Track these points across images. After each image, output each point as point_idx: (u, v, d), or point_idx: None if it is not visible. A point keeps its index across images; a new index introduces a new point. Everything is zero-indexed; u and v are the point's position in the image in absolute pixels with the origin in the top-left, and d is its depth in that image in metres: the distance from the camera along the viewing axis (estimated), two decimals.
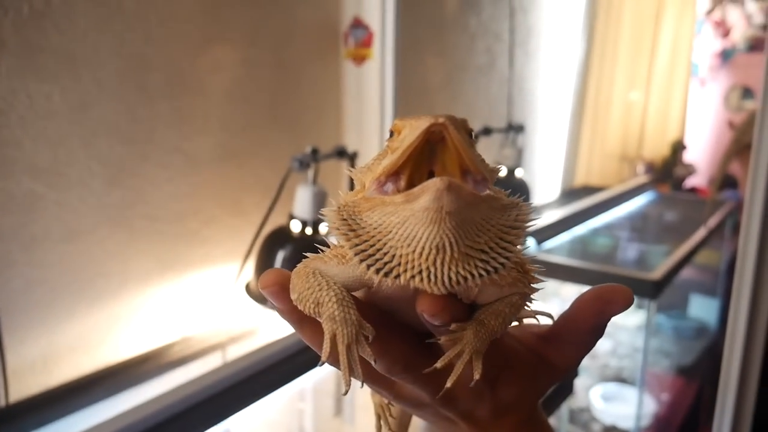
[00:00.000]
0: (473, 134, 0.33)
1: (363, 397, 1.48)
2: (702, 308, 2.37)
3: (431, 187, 0.28)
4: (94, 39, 1.11)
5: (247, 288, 1.24)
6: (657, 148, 3.12)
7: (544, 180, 2.41)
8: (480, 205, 0.31)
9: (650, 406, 1.80)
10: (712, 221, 1.96)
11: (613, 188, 2.46)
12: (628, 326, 2.18)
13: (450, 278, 0.30)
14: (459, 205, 0.29)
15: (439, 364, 0.32)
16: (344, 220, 0.32)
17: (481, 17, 1.95)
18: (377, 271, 0.31)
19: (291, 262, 1.17)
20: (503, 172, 1.78)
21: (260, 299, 1.20)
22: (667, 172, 3.21)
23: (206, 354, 1.27)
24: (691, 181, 3.29)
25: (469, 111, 1.97)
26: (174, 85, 1.24)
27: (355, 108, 1.56)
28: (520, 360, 0.38)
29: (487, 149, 1.82)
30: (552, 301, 2.15)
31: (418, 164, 0.31)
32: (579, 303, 0.38)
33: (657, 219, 2.55)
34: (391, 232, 0.31)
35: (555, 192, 2.48)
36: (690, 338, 2.24)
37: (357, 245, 0.31)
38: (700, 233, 1.84)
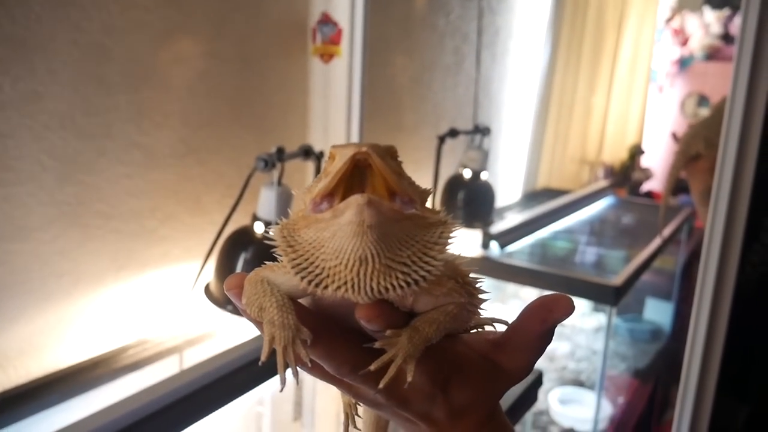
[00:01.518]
0: (398, 158, 0.38)
1: (322, 402, 1.46)
2: (657, 311, 2.42)
3: (353, 202, 0.32)
4: (49, 27, 1.05)
5: (207, 290, 1.20)
6: (616, 153, 3.18)
7: (507, 182, 2.42)
8: (403, 222, 0.34)
9: (606, 409, 1.83)
10: (668, 230, 2.00)
11: (574, 192, 2.49)
12: (585, 329, 2.21)
13: (372, 288, 0.34)
14: (380, 219, 0.33)
15: (372, 367, 0.35)
16: (284, 237, 0.36)
17: (450, 17, 1.94)
18: (309, 282, 0.35)
19: (253, 264, 1.13)
20: (468, 175, 1.77)
21: (220, 302, 1.16)
22: (625, 176, 3.27)
23: (163, 357, 1.23)
24: (647, 185, 3.36)
25: (437, 112, 1.96)
26: (133, 77, 1.19)
27: (321, 106, 1.53)
28: (471, 365, 0.40)
29: (453, 151, 1.81)
30: (511, 302, 2.17)
31: (350, 187, 0.34)
32: (525, 312, 0.41)
33: (615, 223, 2.59)
34: (323, 246, 0.35)
35: (517, 194, 2.50)
36: (645, 341, 2.29)
37: (294, 259, 0.35)
38: (657, 242, 1.87)
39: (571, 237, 2.26)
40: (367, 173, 0.34)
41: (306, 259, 0.35)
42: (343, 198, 0.34)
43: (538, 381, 1.10)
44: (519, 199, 2.47)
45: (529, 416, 1.55)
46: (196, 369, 0.95)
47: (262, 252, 1.14)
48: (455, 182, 1.79)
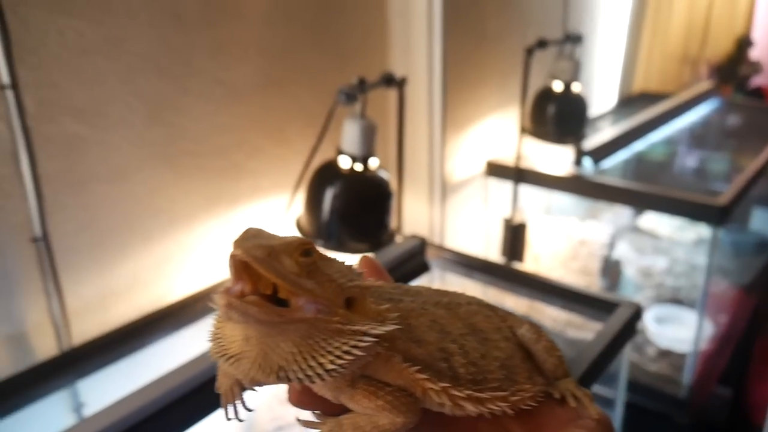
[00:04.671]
0: (310, 253, 0.35)
1: None
2: (764, 222, 2.27)
3: (217, 301, 0.33)
4: None
5: (297, 224, 1.22)
6: (721, 46, 2.91)
7: (601, 88, 2.27)
8: (293, 324, 0.33)
9: (707, 328, 1.76)
10: None
11: (673, 96, 2.30)
12: (684, 242, 2.11)
13: (251, 378, 0.35)
14: (245, 320, 0.33)
15: None
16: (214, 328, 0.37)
17: None
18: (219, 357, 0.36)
19: (340, 200, 1.13)
20: (558, 87, 1.67)
21: (310, 235, 1.18)
22: (732, 71, 3.00)
23: None
24: (756, 81, 3.09)
25: (523, 19, 1.83)
26: (209, 10, 1.16)
27: (401, 26, 1.46)
28: None
29: (542, 61, 1.70)
30: (604, 217, 2.09)
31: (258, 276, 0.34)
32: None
33: (720, 128, 2.40)
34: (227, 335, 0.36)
35: (612, 101, 2.35)
36: (750, 254, 2.16)
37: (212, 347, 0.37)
38: None
39: (670, 146, 2.12)
40: None
41: (222, 346, 0.36)
42: (254, 284, 0.33)
43: (637, 314, 1.06)
44: (614, 107, 2.33)
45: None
46: None
47: (348, 187, 1.13)
48: (544, 95, 1.69)
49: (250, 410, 0.41)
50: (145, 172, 1.14)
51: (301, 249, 0.34)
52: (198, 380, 0.82)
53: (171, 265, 1.20)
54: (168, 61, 1.12)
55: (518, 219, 1.68)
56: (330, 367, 0.34)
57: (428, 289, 0.43)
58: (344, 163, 1.12)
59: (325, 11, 1.36)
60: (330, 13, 1.37)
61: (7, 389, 0.97)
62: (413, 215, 1.63)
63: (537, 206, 1.89)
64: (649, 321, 1.74)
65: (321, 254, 0.36)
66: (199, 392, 0.83)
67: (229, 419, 0.41)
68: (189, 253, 1.22)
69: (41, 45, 0.97)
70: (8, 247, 0.99)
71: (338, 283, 0.35)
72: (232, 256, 0.33)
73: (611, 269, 1.83)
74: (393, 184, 1.21)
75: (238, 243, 0.33)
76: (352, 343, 0.34)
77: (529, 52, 1.55)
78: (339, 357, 0.34)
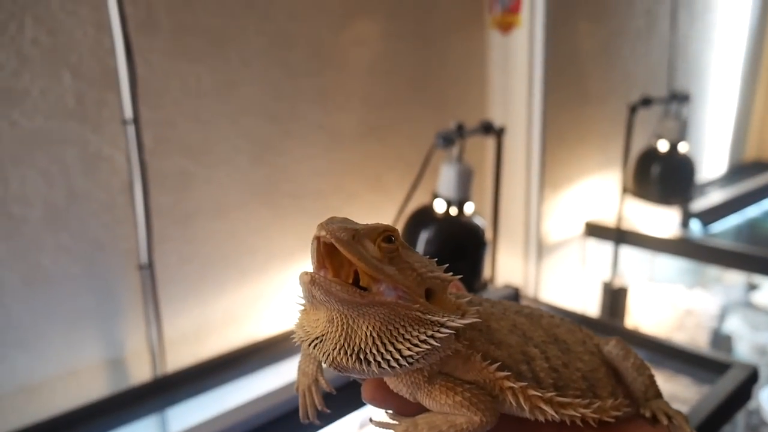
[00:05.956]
0: (392, 239, 0.35)
1: None
2: None
3: (300, 280, 0.33)
4: (240, 17, 1.11)
5: None
6: None
7: (711, 155, 2.17)
8: (373, 307, 0.33)
9: None
10: None
11: None
12: None
13: (329, 357, 0.34)
14: (328, 298, 0.33)
15: None
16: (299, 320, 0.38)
17: None
18: (301, 341, 0.37)
19: (434, 244, 1.12)
20: (664, 147, 1.61)
21: None
22: None
23: None
24: None
25: (626, 80, 1.80)
26: (316, 60, 1.22)
27: (501, 80, 1.47)
28: None
29: (646, 122, 1.65)
30: (714, 288, 1.96)
31: (341, 262, 0.34)
32: None
33: None
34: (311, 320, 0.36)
35: (722, 168, 2.23)
36: None
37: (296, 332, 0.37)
38: None
39: None
40: None
41: (306, 331, 0.36)
42: (335, 269, 0.34)
43: (752, 377, 0.96)
44: (724, 174, 2.21)
45: (740, 416, 1.39)
46: None
47: (443, 231, 1.12)
48: (649, 155, 1.63)
49: (327, 411, 0.41)
50: (247, 210, 1.18)
51: (385, 235, 0.35)
52: (282, 409, 0.82)
53: (264, 303, 1.22)
54: (275, 106, 1.18)
55: (618, 283, 1.60)
56: (407, 353, 0.34)
57: (509, 301, 0.43)
58: (439, 207, 1.11)
59: (427, 65, 1.40)
60: (431, 66, 1.41)
61: (100, 410, 1.00)
62: (507, 268, 1.58)
63: (639, 272, 1.80)
64: (765, 401, 1.58)
65: (403, 243, 0.36)
66: (282, 421, 0.82)
67: (305, 421, 0.40)
68: (281, 292, 1.24)
69: (163, 87, 1.04)
70: (116, 272, 1.05)
71: (419, 272, 0.35)
72: (317, 238, 0.33)
73: (721, 343, 1.69)
74: (488, 234, 1.20)
75: (323, 225, 0.33)
76: (430, 332, 0.34)
77: (633, 109, 1.51)
78: (416, 345, 0.34)
